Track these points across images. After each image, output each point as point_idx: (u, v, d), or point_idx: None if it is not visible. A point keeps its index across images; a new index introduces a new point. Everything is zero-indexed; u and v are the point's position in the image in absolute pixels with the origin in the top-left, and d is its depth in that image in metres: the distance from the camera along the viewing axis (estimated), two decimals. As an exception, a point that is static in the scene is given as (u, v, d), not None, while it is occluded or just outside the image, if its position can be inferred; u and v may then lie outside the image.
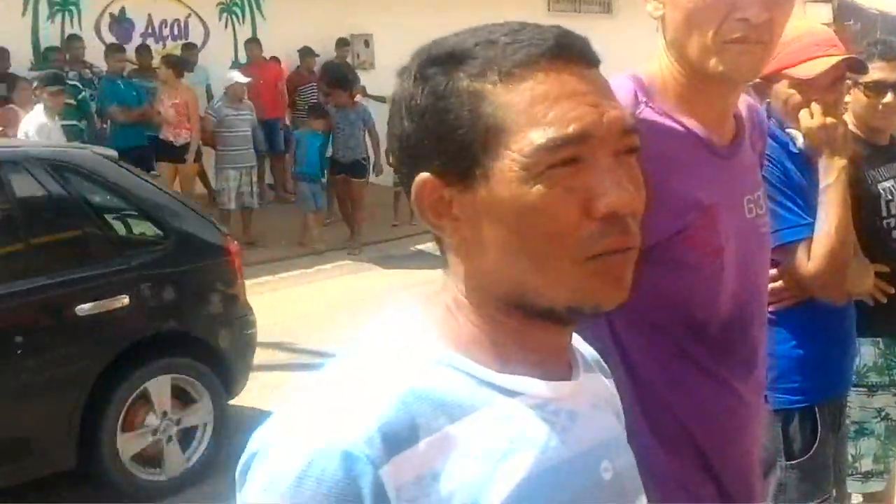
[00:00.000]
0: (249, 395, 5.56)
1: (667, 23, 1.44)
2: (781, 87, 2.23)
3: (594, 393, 1.01)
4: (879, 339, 2.82)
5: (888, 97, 2.69)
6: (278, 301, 8.06)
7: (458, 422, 0.87)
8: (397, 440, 0.83)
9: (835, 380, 2.37)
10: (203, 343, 4.75)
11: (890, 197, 2.82)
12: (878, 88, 2.69)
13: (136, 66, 10.08)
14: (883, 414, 2.95)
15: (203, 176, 10.56)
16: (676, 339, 1.46)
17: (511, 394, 0.90)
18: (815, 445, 2.22)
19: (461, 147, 0.88)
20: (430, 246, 10.22)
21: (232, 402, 4.96)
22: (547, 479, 0.88)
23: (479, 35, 0.91)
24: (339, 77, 10.53)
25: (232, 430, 4.71)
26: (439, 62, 0.90)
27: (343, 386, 0.88)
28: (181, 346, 4.69)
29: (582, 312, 0.90)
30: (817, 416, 2.24)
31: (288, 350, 6.60)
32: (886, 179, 2.85)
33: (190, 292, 4.79)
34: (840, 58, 2.26)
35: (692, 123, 1.46)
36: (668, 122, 1.45)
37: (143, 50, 10.38)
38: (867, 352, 2.71)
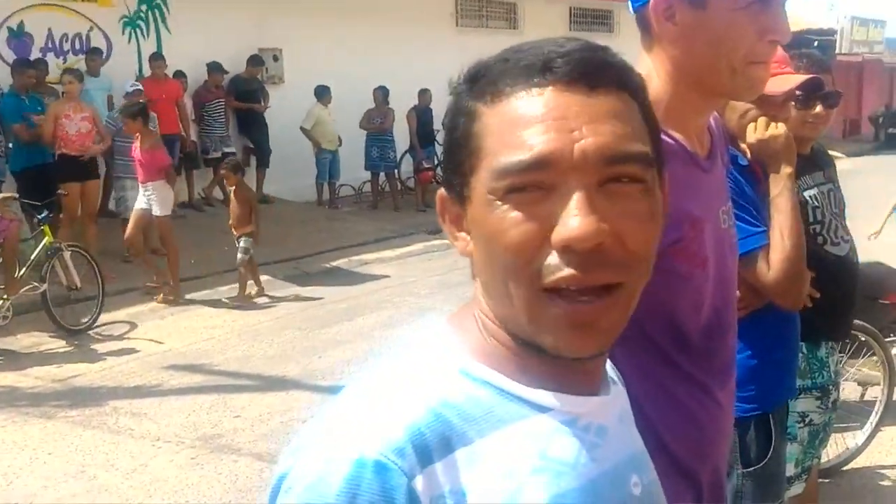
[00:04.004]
0: (168, 419, 5.41)
1: (682, 43, 1.44)
2: (739, 102, 2.28)
3: (620, 406, 0.99)
4: (803, 344, 2.90)
5: (817, 108, 2.79)
6: (190, 322, 7.86)
7: (487, 436, 0.84)
8: (428, 451, 0.81)
9: (786, 386, 2.42)
10: None
11: (816, 204, 2.92)
12: (806, 100, 2.78)
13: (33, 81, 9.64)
14: (808, 420, 3.03)
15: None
16: (662, 349, 1.46)
17: (541, 409, 0.88)
18: (770, 452, 2.25)
19: (457, 165, 0.89)
20: (342, 262, 10.18)
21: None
22: (578, 496, 0.86)
23: (509, 51, 0.90)
24: None
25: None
26: (465, 80, 0.91)
27: (372, 398, 0.86)
28: None
29: (550, 354, 0.86)
30: (771, 423, 2.28)
31: (202, 372, 6.43)
32: (811, 187, 2.95)
33: None
34: (807, 77, 2.35)
35: (680, 137, 1.47)
36: (663, 137, 1.45)
37: (39, 64, 9.93)
38: None
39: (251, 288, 8.62)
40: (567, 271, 0.81)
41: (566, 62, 0.84)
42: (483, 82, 0.88)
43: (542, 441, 0.86)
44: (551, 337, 0.84)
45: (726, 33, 1.42)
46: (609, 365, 1.03)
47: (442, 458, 0.81)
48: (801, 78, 2.36)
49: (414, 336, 0.94)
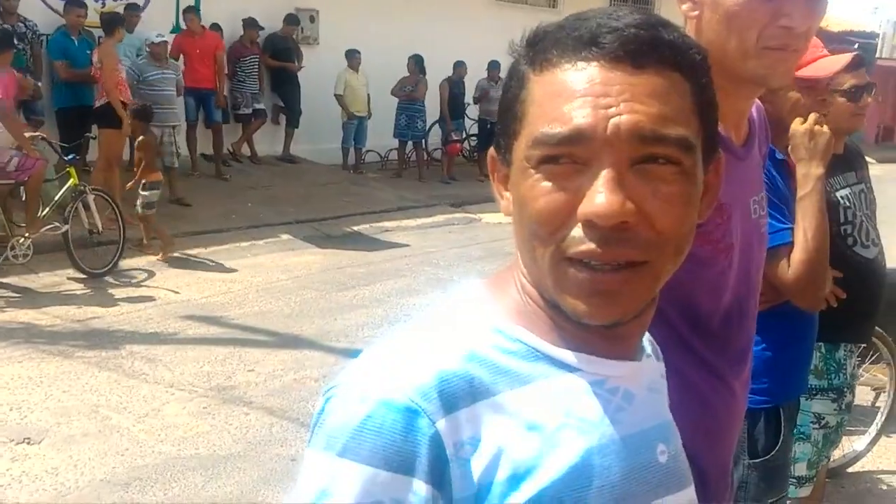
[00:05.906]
0: (182, 367, 5.48)
1: (703, 23, 1.44)
2: (789, 91, 2.29)
3: (651, 376, 1.00)
4: (821, 344, 2.91)
5: (865, 99, 2.81)
6: (209, 275, 7.93)
7: (514, 389, 0.87)
8: (454, 398, 0.83)
9: (799, 381, 2.43)
10: None
11: (847, 204, 2.92)
12: (856, 93, 2.80)
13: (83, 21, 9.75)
14: (823, 422, 3.03)
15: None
16: (680, 331, 1.46)
17: (569, 368, 0.90)
18: (778, 445, 2.26)
19: (505, 127, 0.91)
20: (363, 227, 10.21)
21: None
22: (603, 454, 0.88)
23: (569, 20, 0.90)
24: None
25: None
26: (525, 42, 0.92)
27: (407, 346, 0.89)
28: None
29: (572, 318, 0.88)
30: (782, 417, 2.29)
31: (218, 324, 6.49)
32: (843, 187, 2.95)
33: None
34: (850, 55, 2.35)
35: None
36: None
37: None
38: None
39: (160, 246, 8.24)
40: (588, 245, 0.82)
41: (614, 38, 0.84)
42: (538, 48, 0.89)
43: (568, 399, 0.89)
44: (572, 302, 0.86)
45: (737, 12, 1.41)
46: (648, 339, 1.04)
47: (467, 406, 0.83)
48: (846, 57, 2.36)
49: (452, 293, 0.96)
